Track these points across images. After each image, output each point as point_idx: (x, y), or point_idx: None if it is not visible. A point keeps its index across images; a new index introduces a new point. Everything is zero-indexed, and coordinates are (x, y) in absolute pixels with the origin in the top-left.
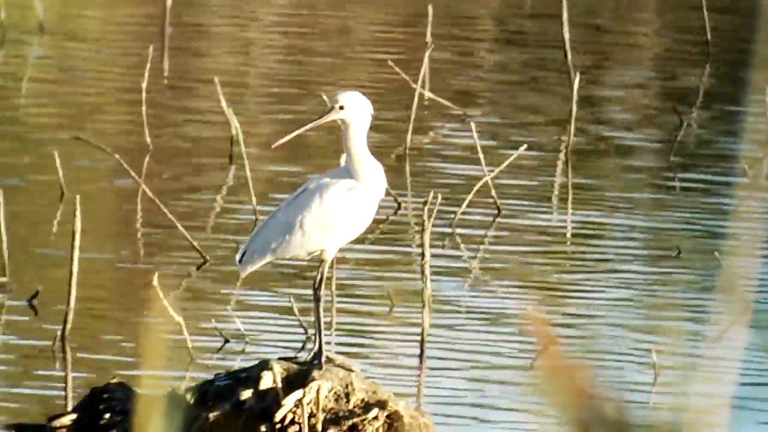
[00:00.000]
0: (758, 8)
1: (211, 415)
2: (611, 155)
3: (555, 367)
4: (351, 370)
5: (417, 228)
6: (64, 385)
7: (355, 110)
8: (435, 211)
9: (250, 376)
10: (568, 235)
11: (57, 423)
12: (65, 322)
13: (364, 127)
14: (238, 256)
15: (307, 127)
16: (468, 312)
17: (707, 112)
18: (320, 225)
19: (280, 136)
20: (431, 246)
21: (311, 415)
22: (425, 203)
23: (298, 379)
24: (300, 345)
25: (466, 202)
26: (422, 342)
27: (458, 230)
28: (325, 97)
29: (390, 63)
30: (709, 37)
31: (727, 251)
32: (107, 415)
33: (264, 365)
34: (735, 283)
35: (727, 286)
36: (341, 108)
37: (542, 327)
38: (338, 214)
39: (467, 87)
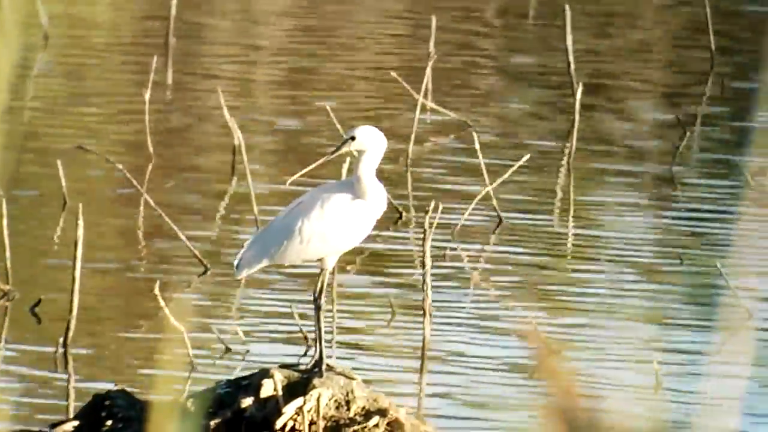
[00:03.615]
0: (764, 19)
1: (212, 423)
2: (613, 165)
3: (551, 376)
4: (352, 378)
5: (418, 237)
6: (66, 391)
7: (367, 142)
8: (436, 220)
9: (250, 383)
10: (569, 244)
11: (59, 430)
12: (67, 329)
13: (376, 157)
14: (235, 261)
15: (321, 161)
16: (469, 321)
17: (710, 121)
18: (318, 234)
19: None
20: (432, 255)
21: (312, 423)
22: (427, 213)
23: (298, 386)
24: (301, 353)
25: (467, 212)
26: (423, 350)
27: (459, 240)
28: (329, 109)
29: (392, 74)
30: (713, 46)
31: (730, 260)
32: (109, 422)
33: (265, 373)
34: (737, 291)
35: (728, 295)
36: (353, 139)
37: (538, 341)
38: (337, 225)
39: (469, 97)
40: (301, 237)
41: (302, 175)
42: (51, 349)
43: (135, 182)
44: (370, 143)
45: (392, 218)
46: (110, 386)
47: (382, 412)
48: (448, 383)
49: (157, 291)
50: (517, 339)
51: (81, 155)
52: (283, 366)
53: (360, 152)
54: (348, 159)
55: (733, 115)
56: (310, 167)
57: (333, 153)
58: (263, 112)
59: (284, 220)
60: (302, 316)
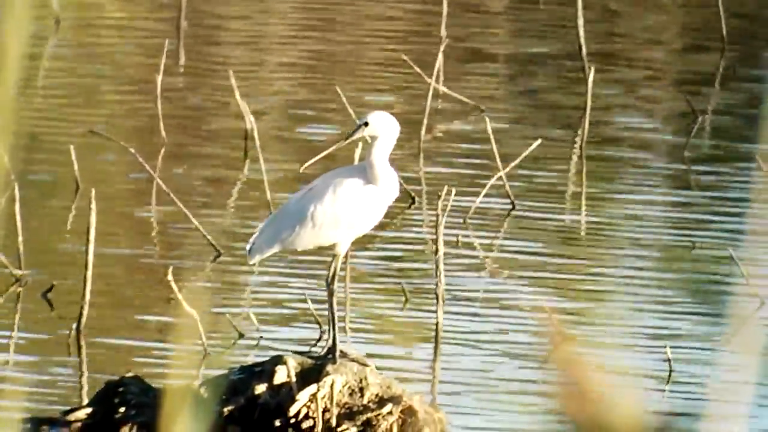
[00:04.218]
0: None
1: (226, 410)
2: (625, 149)
3: (566, 364)
4: (365, 365)
5: (431, 222)
6: (79, 378)
7: (380, 127)
8: (449, 205)
9: (264, 370)
10: (582, 229)
11: (72, 417)
12: (80, 315)
13: (389, 143)
14: (247, 246)
15: (334, 147)
16: (482, 306)
17: (722, 106)
18: (331, 219)
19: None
20: (445, 240)
21: (325, 410)
22: (439, 197)
23: (312, 373)
24: (314, 339)
25: (480, 197)
26: (436, 336)
27: (472, 224)
28: (341, 93)
29: (404, 57)
30: (724, 30)
31: (743, 247)
32: (122, 409)
33: (278, 360)
34: (749, 279)
35: (741, 283)
36: (366, 125)
37: (555, 325)
38: (349, 210)
39: (482, 81)
40: (314, 222)
41: (315, 161)
42: (64, 336)
43: (147, 167)
44: (383, 129)
45: (405, 203)
46: (123, 373)
47: (396, 399)
48: (462, 369)
49: (170, 277)
50: (531, 324)
51: (93, 140)
52: (297, 352)
53: (373, 138)
54: (361, 144)
55: (745, 101)
56: (324, 153)
57: (346, 139)
58: (276, 97)
59: (296, 205)
60: (315, 302)
